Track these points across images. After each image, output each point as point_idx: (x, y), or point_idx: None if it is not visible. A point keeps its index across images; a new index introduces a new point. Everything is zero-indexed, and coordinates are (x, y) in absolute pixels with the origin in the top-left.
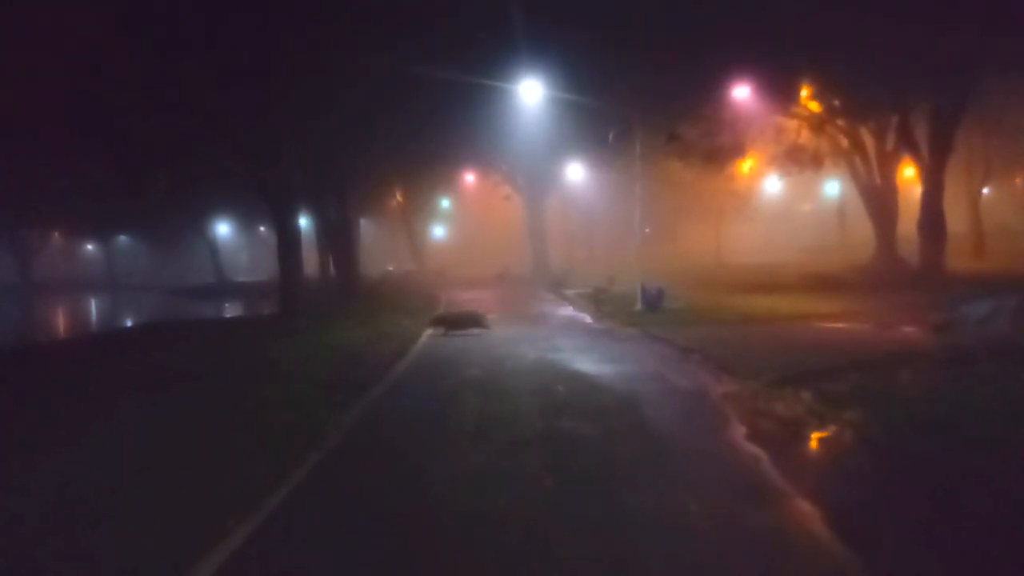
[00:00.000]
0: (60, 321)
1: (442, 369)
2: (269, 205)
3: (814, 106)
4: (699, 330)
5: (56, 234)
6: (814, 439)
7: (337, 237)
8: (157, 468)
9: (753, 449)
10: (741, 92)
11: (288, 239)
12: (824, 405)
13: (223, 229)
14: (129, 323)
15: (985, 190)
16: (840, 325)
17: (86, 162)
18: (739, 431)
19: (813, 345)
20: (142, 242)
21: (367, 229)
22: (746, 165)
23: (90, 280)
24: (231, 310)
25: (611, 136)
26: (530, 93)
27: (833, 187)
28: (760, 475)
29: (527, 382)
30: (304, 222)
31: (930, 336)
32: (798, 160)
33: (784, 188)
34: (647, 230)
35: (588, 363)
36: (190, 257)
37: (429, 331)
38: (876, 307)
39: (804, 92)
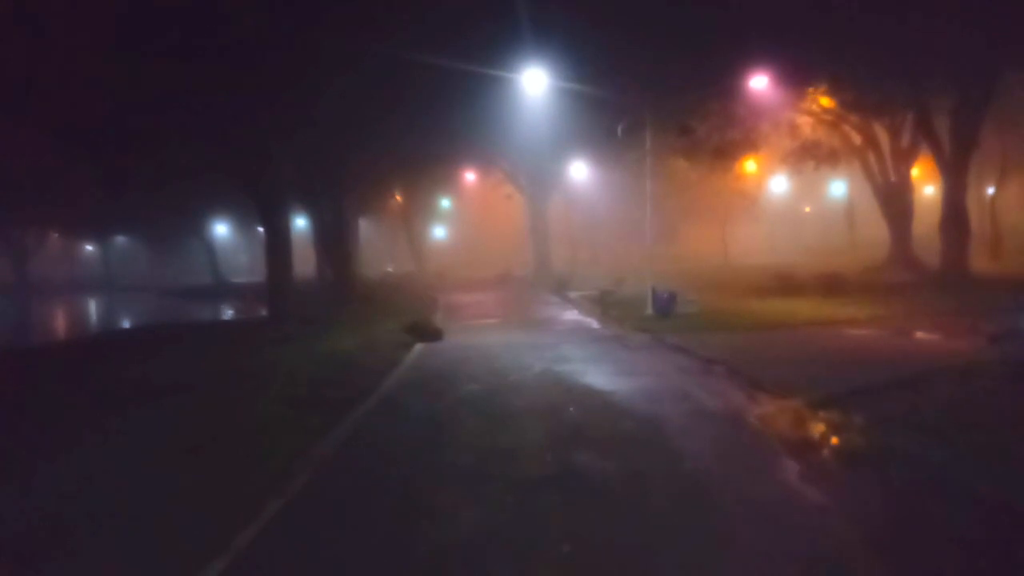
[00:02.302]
0: (44, 324)
1: (438, 384)
2: (256, 203)
3: (826, 102)
4: (718, 338)
5: (54, 235)
6: (884, 480)
7: (331, 237)
8: (78, 522)
9: (814, 495)
10: (755, 85)
11: (277, 239)
12: (883, 433)
13: (221, 230)
14: (111, 328)
15: (991, 189)
16: (871, 332)
17: (63, 158)
18: (791, 468)
19: (849, 356)
20: (139, 243)
21: (366, 230)
22: (754, 164)
23: (87, 281)
24: (222, 313)
25: (620, 129)
26: (534, 83)
27: (838, 187)
28: (834, 537)
29: (533, 401)
30: (303, 222)
31: (984, 347)
32: (814, 156)
33: (788, 188)
34: (647, 231)
35: (600, 376)
36: (188, 258)
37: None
38: (904, 312)
39: (818, 87)
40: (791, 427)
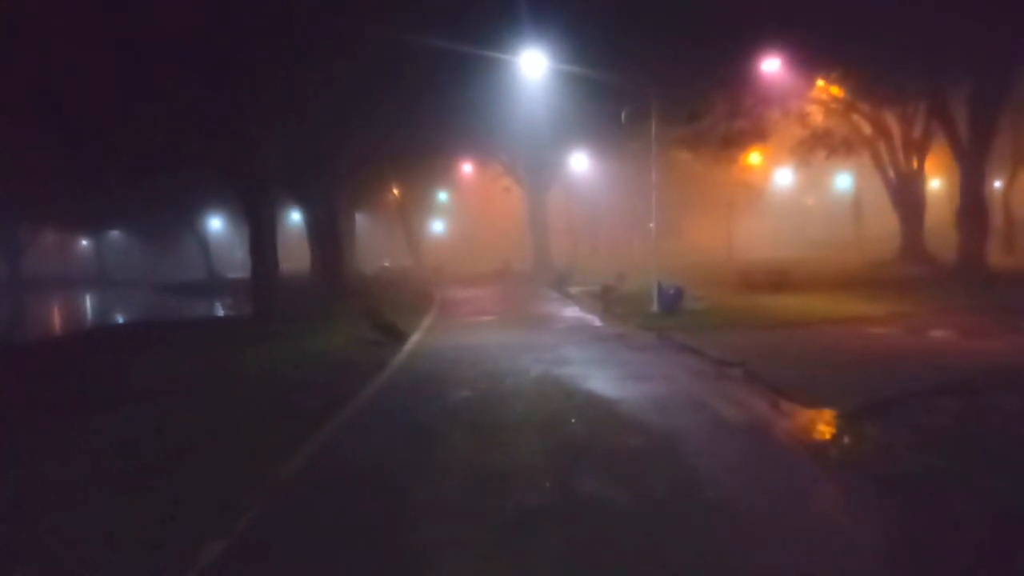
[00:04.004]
0: (27, 321)
1: (426, 389)
2: (239, 194)
3: (836, 90)
4: (730, 337)
5: (49, 230)
6: (945, 516)
7: (323, 231)
8: None
9: (865, 534)
10: (765, 70)
11: (262, 233)
12: (936, 453)
13: (216, 224)
14: (95, 325)
15: (997, 183)
16: (895, 331)
17: (39, 149)
18: (832, 497)
19: (877, 358)
20: (134, 238)
21: (363, 224)
22: (759, 155)
23: (80, 277)
24: (211, 309)
25: (624, 115)
26: (532, 65)
27: (843, 180)
28: None
29: (531, 411)
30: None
31: None
32: (827, 145)
33: (792, 182)
34: (651, 224)
35: (605, 382)
36: (183, 253)
37: (416, 337)
38: (926, 308)
39: (829, 75)
40: (826, 444)
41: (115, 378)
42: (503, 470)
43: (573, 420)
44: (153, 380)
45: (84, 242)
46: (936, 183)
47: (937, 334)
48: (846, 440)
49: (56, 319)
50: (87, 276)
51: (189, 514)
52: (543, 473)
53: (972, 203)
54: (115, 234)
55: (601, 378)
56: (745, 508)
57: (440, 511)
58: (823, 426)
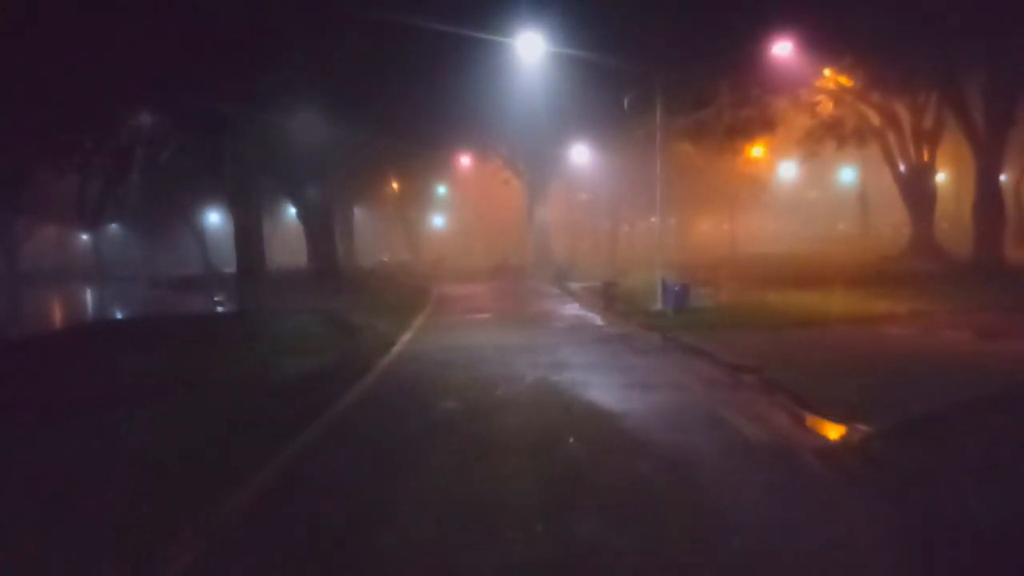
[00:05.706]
0: (12, 317)
1: (409, 399)
2: (222, 186)
3: (845, 80)
4: (741, 337)
5: (48, 224)
6: None
7: (318, 225)
8: None
9: None
10: (774, 58)
11: (246, 224)
12: (1009, 490)
13: (214, 218)
14: (79, 322)
15: (1003, 176)
16: (919, 331)
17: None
18: (888, 547)
19: (904, 362)
20: (132, 232)
21: (362, 218)
22: (763, 148)
23: (78, 271)
24: (202, 305)
25: (626, 101)
26: (530, 49)
27: (848, 174)
28: None
29: (523, 426)
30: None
31: None
32: (837, 135)
33: (795, 175)
34: (653, 219)
35: (607, 391)
36: (182, 247)
37: (407, 337)
38: (948, 306)
39: (839, 63)
40: (870, 473)
41: (76, 383)
42: (487, 507)
43: (571, 440)
44: (120, 386)
45: (83, 236)
46: (942, 176)
47: (963, 335)
48: (893, 468)
49: (42, 315)
50: (84, 270)
51: (113, 559)
52: (536, 511)
53: (989, 195)
54: (114, 228)
55: (603, 386)
56: (784, 566)
57: (405, 566)
58: (862, 449)
